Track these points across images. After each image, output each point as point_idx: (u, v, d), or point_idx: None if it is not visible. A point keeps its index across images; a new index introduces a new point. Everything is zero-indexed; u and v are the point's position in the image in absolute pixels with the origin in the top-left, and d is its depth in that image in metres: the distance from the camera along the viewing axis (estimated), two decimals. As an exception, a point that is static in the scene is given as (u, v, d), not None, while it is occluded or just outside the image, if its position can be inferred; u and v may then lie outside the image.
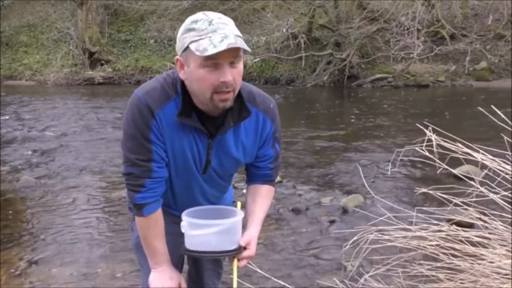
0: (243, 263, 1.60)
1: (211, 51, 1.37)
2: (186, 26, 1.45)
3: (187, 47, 1.43)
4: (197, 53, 1.39)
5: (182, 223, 1.54)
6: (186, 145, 1.56)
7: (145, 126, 1.51)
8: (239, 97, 1.55)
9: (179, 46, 1.47)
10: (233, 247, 1.55)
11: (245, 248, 1.58)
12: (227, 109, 1.54)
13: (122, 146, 1.58)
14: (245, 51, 1.45)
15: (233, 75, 1.44)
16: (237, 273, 1.58)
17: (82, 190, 5.12)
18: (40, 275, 3.25)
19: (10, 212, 4.54)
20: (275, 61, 16.29)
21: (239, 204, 1.75)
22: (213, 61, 1.41)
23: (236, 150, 1.62)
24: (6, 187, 5.28)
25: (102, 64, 18.74)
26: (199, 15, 1.45)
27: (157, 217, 1.62)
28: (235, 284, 1.57)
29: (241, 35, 1.45)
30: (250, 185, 1.78)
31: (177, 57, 1.51)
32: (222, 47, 1.36)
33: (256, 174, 1.75)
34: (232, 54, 1.41)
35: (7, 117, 10.14)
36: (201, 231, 1.51)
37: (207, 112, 1.53)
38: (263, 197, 1.74)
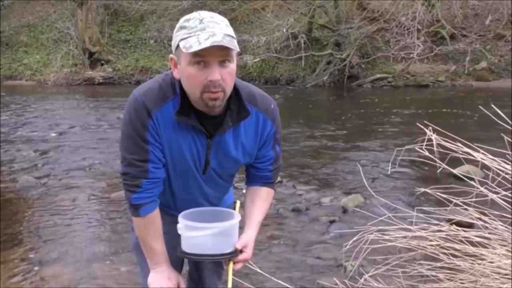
0: (239, 266, 1.59)
1: (195, 48, 1.37)
2: (179, 24, 1.46)
3: (178, 45, 1.44)
4: (184, 50, 1.40)
5: (179, 225, 1.54)
6: (185, 146, 1.56)
7: (142, 127, 1.51)
8: (238, 97, 1.55)
9: (172, 44, 1.49)
10: (230, 250, 1.54)
11: (241, 251, 1.58)
12: (225, 109, 1.54)
13: (119, 146, 1.58)
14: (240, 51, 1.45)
15: (223, 74, 1.43)
16: (233, 275, 1.57)
17: (82, 190, 5.12)
18: (40, 275, 3.25)
19: (10, 212, 4.53)
20: (275, 61, 16.29)
21: (238, 203, 1.74)
22: (201, 59, 1.40)
23: (236, 151, 1.61)
24: (6, 187, 5.27)
25: (102, 64, 18.73)
26: (192, 14, 1.46)
27: (154, 217, 1.62)
28: (229, 285, 1.56)
29: (233, 35, 1.43)
30: (249, 186, 1.77)
31: (171, 55, 1.51)
32: (206, 44, 1.36)
33: (256, 175, 1.74)
34: (221, 53, 1.40)
35: (7, 117, 10.14)
36: (197, 233, 1.50)
37: (205, 112, 1.53)
38: (262, 199, 1.73)
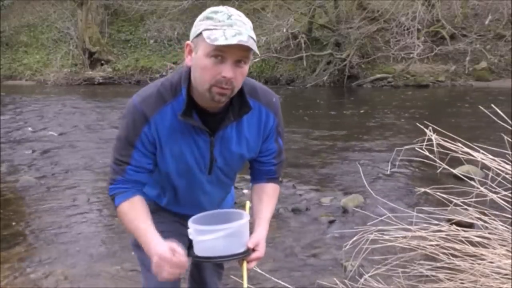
0: (253, 265, 1.59)
1: (221, 42, 1.37)
2: (206, 14, 1.46)
3: (200, 33, 1.44)
4: (208, 40, 1.39)
5: (189, 230, 1.54)
6: (185, 148, 1.57)
7: (134, 132, 1.55)
8: (240, 92, 1.56)
9: (193, 31, 1.48)
10: (242, 249, 1.54)
11: (253, 249, 1.58)
12: (227, 105, 1.55)
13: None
14: (254, 54, 1.45)
15: (236, 74, 1.44)
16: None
17: (82, 190, 5.12)
18: (40, 275, 3.25)
19: (10, 212, 4.53)
20: (275, 61, 16.27)
21: (247, 204, 1.74)
22: (221, 54, 1.41)
23: (239, 145, 1.62)
24: (6, 187, 5.28)
25: (102, 64, 18.72)
26: (220, 8, 1.47)
27: (133, 202, 1.59)
28: (245, 285, 1.56)
29: (255, 38, 1.45)
30: (255, 184, 1.77)
31: (188, 42, 1.51)
32: (233, 41, 1.37)
33: (260, 170, 1.74)
34: (241, 53, 1.42)
35: (7, 117, 10.13)
36: (209, 236, 1.50)
37: (207, 108, 1.53)
38: (269, 196, 1.73)
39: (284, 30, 15.27)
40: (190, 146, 1.57)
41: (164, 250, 1.46)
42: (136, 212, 1.58)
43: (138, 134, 1.55)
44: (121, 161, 1.59)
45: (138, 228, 1.56)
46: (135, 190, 1.60)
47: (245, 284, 1.55)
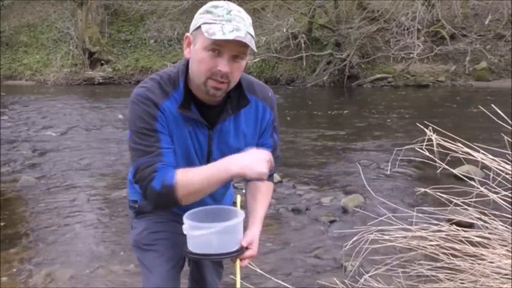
0: (246, 263, 1.59)
1: (219, 36, 1.39)
2: (206, 8, 1.48)
3: (199, 27, 1.45)
4: (206, 34, 1.41)
5: (184, 226, 1.54)
6: (188, 139, 1.58)
7: (151, 118, 1.50)
8: (239, 86, 1.57)
9: (193, 24, 1.50)
10: (235, 248, 1.55)
11: (247, 248, 1.58)
12: (225, 98, 1.56)
13: (130, 147, 1.54)
14: (254, 53, 1.47)
15: (232, 69, 1.45)
16: (233, 275, 1.57)
17: (82, 190, 5.12)
18: (40, 275, 3.25)
19: (10, 212, 4.53)
20: (275, 61, 16.28)
21: (238, 197, 1.74)
22: (218, 48, 1.43)
23: (237, 139, 1.63)
24: (6, 187, 5.27)
25: (102, 64, 18.73)
26: (221, 2, 1.48)
27: (181, 170, 1.50)
28: (238, 285, 1.56)
29: (253, 35, 1.46)
30: (249, 182, 1.77)
31: (187, 34, 1.53)
32: (230, 36, 1.38)
33: None
34: (238, 48, 1.43)
35: (7, 117, 10.13)
36: (202, 231, 1.51)
37: (205, 101, 1.54)
38: (263, 194, 1.73)
39: (284, 30, 15.27)
40: (191, 137, 1.58)
41: (246, 160, 1.45)
42: (191, 171, 1.49)
43: (154, 117, 1.50)
44: (152, 148, 1.49)
45: (207, 176, 1.47)
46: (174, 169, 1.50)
47: (238, 282, 1.56)
